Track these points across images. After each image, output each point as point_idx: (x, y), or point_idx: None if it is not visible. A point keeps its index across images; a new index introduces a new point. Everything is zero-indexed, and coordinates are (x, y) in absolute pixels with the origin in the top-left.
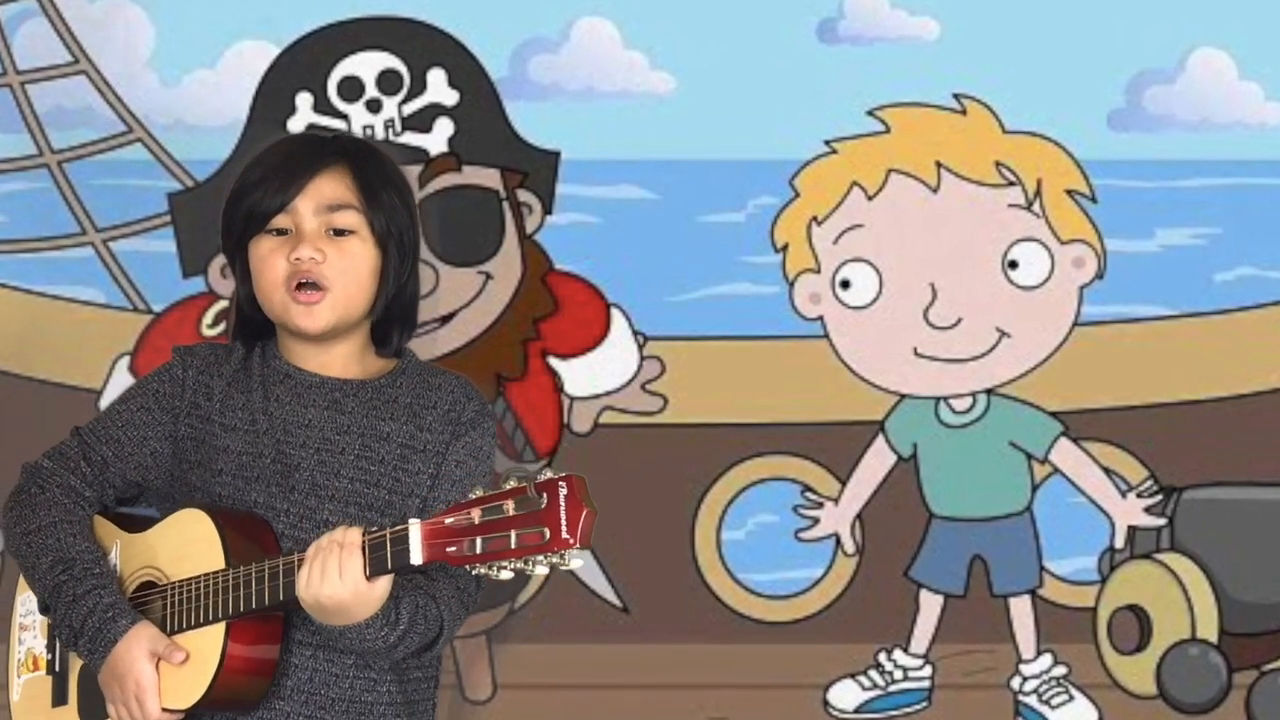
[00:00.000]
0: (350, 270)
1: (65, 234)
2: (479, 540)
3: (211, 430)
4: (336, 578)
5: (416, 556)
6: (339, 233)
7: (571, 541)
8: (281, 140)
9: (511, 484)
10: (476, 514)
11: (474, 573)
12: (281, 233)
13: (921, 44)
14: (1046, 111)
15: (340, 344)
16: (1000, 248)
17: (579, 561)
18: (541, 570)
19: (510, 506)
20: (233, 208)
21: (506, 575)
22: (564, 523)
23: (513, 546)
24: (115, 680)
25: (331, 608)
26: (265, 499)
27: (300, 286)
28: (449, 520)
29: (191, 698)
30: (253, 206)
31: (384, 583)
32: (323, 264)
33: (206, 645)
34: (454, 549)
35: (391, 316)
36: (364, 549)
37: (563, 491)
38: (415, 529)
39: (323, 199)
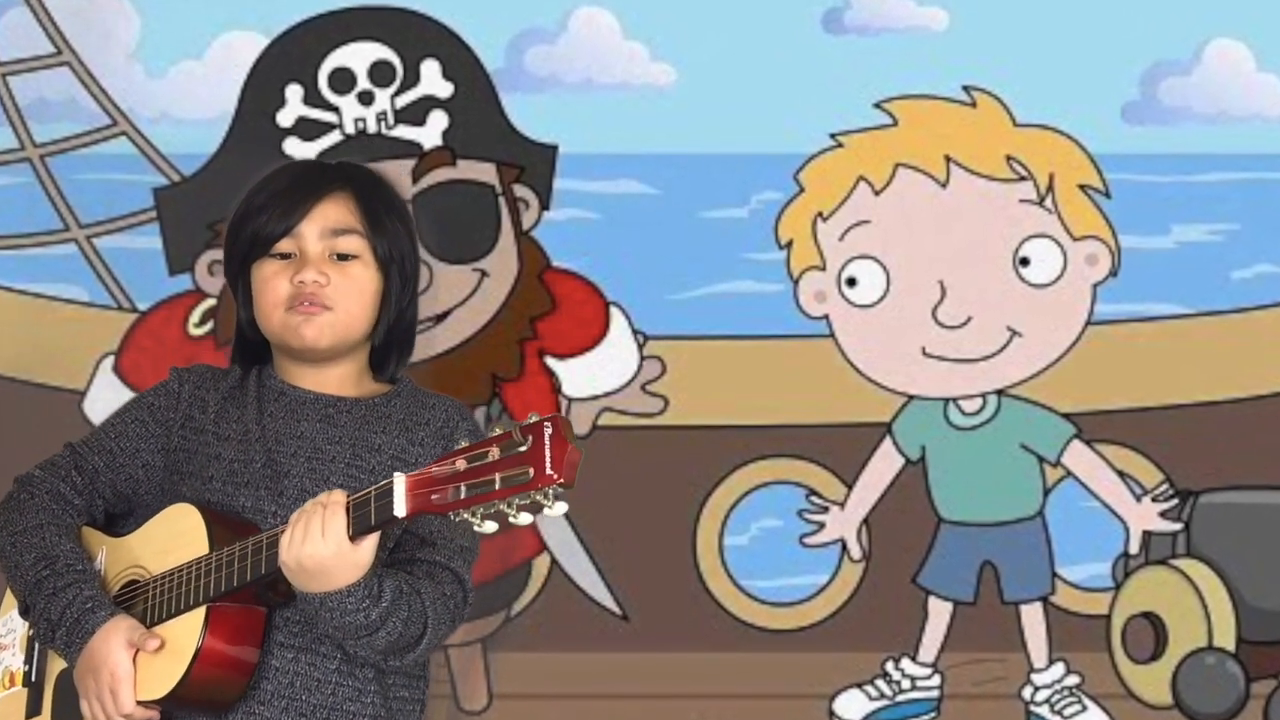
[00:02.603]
0: (353, 293)
1: (48, 230)
2: (463, 486)
3: (205, 440)
4: (319, 536)
5: (400, 508)
6: (342, 257)
7: (555, 477)
8: (286, 166)
9: (497, 431)
10: (461, 462)
11: (456, 519)
12: (285, 257)
13: (930, 34)
14: (1059, 104)
15: (337, 366)
16: (1011, 244)
17: (563, 506)
18: (525, 519)
19: (495, 452)
20: (236, 232)
21: (491, 527)
22: (549, 460)
23: (497, 488)
24: (90, 673)
25: (313, 568)
26: (254, 503)
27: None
28: (434, 470)
29: (165, 687)
30: (257, 230)
31: (368, 545)
32: (326, 287)
33: (184, 635)
34: (438, 496)
35: (391, 341)
36: (348, 508)
37: (548, 431)
38: (400, 480)
39: (327, 223)
